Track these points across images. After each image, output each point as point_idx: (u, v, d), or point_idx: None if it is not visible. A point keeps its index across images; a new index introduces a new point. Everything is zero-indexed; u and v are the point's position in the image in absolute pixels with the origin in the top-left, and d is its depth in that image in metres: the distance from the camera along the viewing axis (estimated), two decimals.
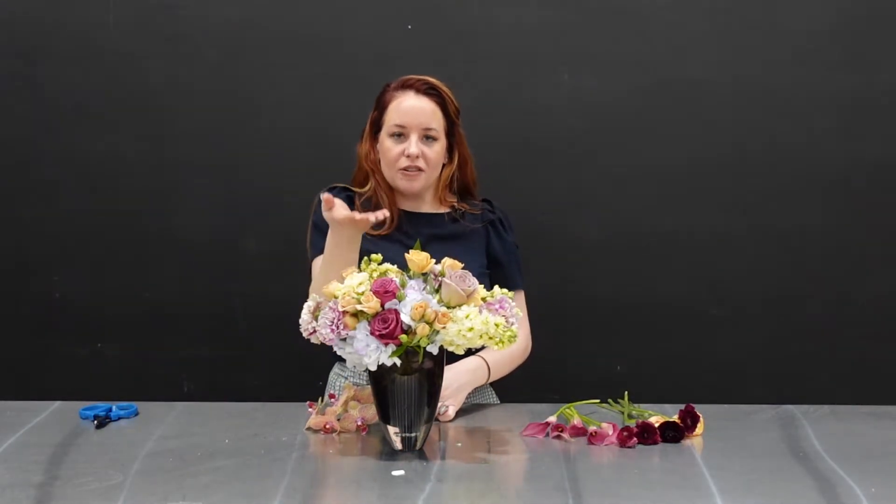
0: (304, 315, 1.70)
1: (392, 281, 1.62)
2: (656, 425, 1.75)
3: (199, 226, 2.70)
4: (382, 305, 1.60)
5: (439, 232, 2.12)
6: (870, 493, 1.51)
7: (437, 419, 1.85)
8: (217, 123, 2.68)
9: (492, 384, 2.18)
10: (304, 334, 1.70)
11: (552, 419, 1.82)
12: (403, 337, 1.59)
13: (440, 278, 1.67)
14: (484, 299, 1.67)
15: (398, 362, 1.61)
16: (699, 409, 1.81)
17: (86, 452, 1.71)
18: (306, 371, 2.38)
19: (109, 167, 2.68)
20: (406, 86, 2.09)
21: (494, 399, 2.21)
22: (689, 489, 1.53)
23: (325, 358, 2.07)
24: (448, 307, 1.63)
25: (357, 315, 1.61)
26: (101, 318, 2.72)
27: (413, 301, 1.60)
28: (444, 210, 2.17)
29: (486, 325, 1.60)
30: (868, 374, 2.72)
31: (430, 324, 1.60)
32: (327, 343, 1.65)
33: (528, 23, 2.65)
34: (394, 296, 1.61)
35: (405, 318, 1.59)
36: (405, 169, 2.07)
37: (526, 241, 2.28)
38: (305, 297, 1.73)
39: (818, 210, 2.69)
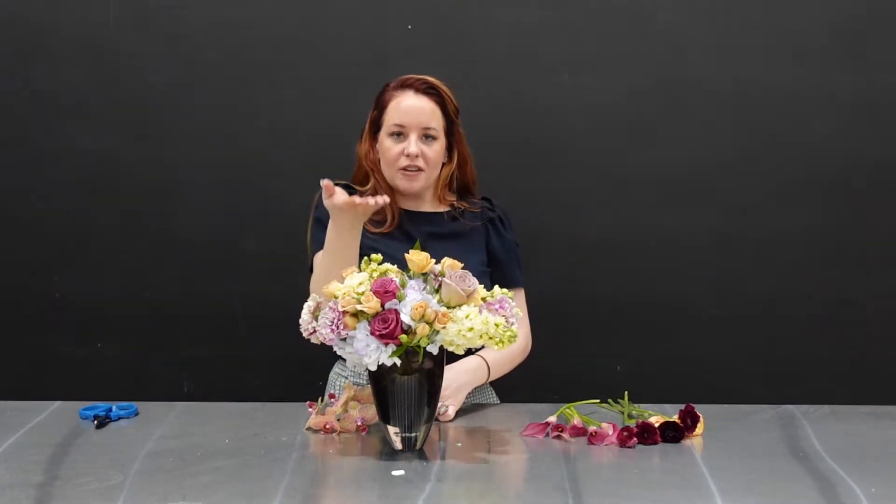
0: (304, 315, 1.70)
1: (392, 281, 1.62)
2: (656, 425, 1.75)
3: (199, 226, 2.70)
4: (382, 305, 1.60)
5: (439, 231, 2.12)
6: (870, 493, 1.51)
7: (437, 419, 1.85)
8: (217, 123, 2.68)
9: (492, 384, 2.18)
10: (304, 334, 1.70)
11: (552, 419, 1.82)
12: (403, 337, 1.59)
13: (440, 278, 1.67)
14: (484, 299, 1.67)
15: (398, 362, 1.61)
16: (699, 409, 1.81)
17: (86, 452, 1.71)
18: (306, 371, 2.38)
19: (109, 167, 2.68)
20: (405, 85, 2.09)
21: (494, 399, 2.21)
22: (689, 489, 1.53)
23: (325, 358, 2.07)
24: (448, 307, 1.63)
25: (357, 315, 1.61)
26: (101, 318, 2.72)
27: (413, 301, 1.60)
28: (443, 209, 2.17)
29: (486, 325, 1.60)
30: (868, 374, 2.72)
31: (430, 324, 1.60)
32: (327, 343, 1.65)
33: (528, 23, 2.65)
34: (394, 296, 1.61)
35: (405, 318, 1.59)
36: (405, 168, 2.07)
37: (526, 241, 2.28)
38: (305, 297, 1.73)
39: (818, 210, 2.69)
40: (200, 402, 2.11)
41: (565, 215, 2.69)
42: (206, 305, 2.72)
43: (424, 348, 1.61)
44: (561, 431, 1.78)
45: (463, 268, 1.68)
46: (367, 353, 1.60)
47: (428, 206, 2.16)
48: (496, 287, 1.71)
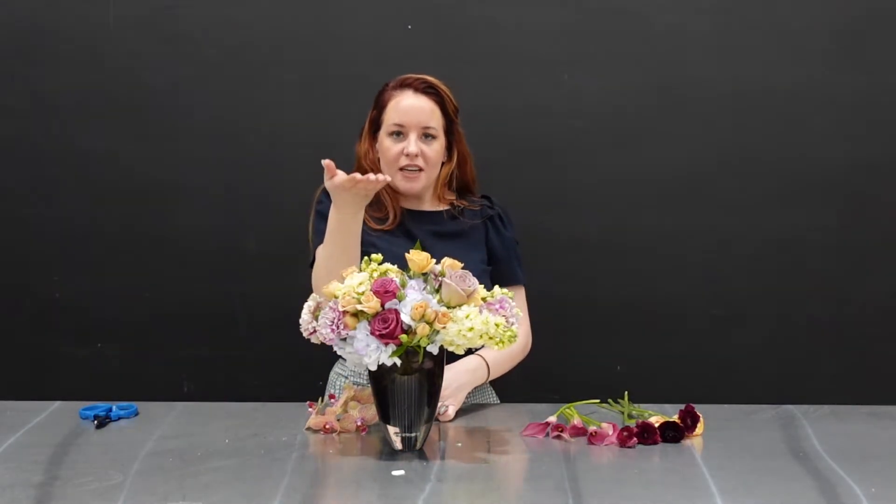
0: (304, 315, 1.70)
1: (392, 281, 1.62)
2: (656, 425, 1.75)
3: (199, 226, 2.70)
4: (382, 305, 1.60)
5: (440, 230, 2.12)
6: (870, 493, 1.51)
7: (437, 419, 1.85)
8: (217, 123, 2.68)
9: (492, 384, 2.18)
10: (304, 334, 1.70)
11: (552, 419, 1.82)
12: (403, 337, 1.59)
13: (440, 278, 1.67)
14: (484, 299, 1.67)
15: (398, 362, 1.61)
16: (699, 409, 1.81)
17: (86, 452, 1.71)
18: (306, 371, 2.38)
19: (109, 167, 2.68)
20: (405, 85, 2.09)
21: (494, 399, 2.21)
22: (689, 489, 1.53)
23: (326, 358, 2.08)
24: (448, 307, 1.63)
25: (357, 315, 1.61)
26: (101, 318, 2.72)
27: (413, 301, 1.60)
28: (443, 208, 2.17)
29: (486, 325, 1.60)
30: (868, 374, 2.72)
31: (430, 324, 1.60)
32: (327, 343, 1.65)
33: (528, 23, 2.65)
34: (394, 296, 1.61)
35: (405, 318, 1.59)
36: (405, 168, 2.07)
37: (526, 240, 2.28)
38: (305, 297, 1.73)
39: (818, 210, 2.69)
40: (200, 402, 2.11)
41: (565, 215, 2.69)
42: (206, 305, 2.72)
43: (424, 348, 1.61)
44: (561, 431, 1.78)
45: (463, 267, 1.68)
46: (367, 353, 1.60)
47: (428, 205, 2.16)
48: (496, 287, 1.71)
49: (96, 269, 2.71)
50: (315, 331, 1.67)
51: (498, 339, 1.62)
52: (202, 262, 2.71)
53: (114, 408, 1.92)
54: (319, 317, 1.65)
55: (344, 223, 1.85)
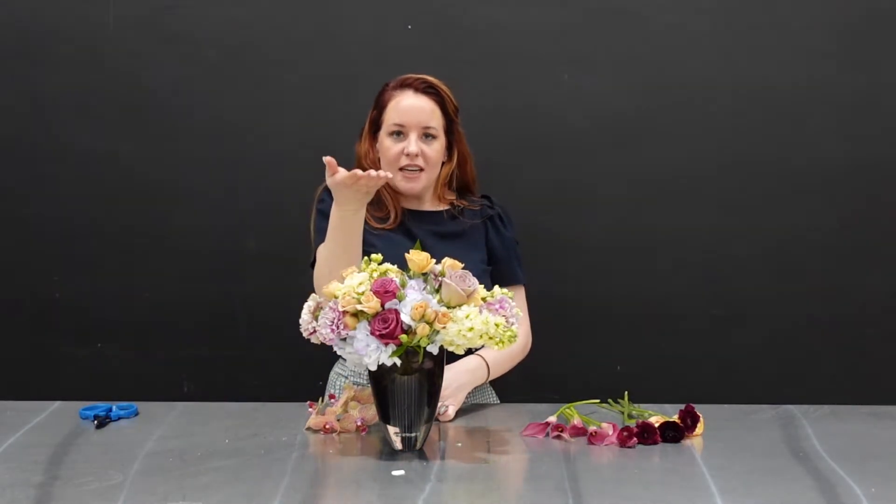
0: (304, 315, 1.70)
1: (392, 281, 1.62)
2: (656, 425, 1.75)
3: (200, 226, 2.70)
4: (382, 305, 1.60)
5: (440, 230, 2.12)
6: (870, 493, 1.51)
7: (437, 419, 1.85)
8: (217, 123, 2.68)
9: (492, 384, 2.18)
10: (304, 334, 1.70)
11: (552, 419, 1.82)
12: (403, 337, 1.59)
13: (440, 278, 1.67)
14: (484, 299, 1.67)
15: (398, 362, 1.61)
16: (699, 409, 1.81)
17: (86, 452, 1.71)
18: (306, 371, 2.38)
19: (109, 167, 2.68)
20: (405, 85, 2.09)
21: (494, 399, 2.21)
22: (689, 489, 1.53)
23: (325, 358, 2.08)
24: (448, 307, 1.63)
25: (357, 315, 1.61)
26: (101, 318, 2.72)
27: (413, 301, 1.60)
28: (443, 208, 2.17)
29: (486, 325, 1.60)
30: (868, 374, 2.71)
31: (430, 324, 1.60)
32: (327, 343, 1.65)
33: (528, 23, 2.65)
34: (394, 296, 1.61)
35: (405, 318, 1.59)
36: (405, 168, 2.08)
37: (526, 240, 2.29)
38: (305, 297, 1.73)
39: (818, 210, 2.69)
40: (200, 402, 2.11)
41: (565, 215, 2.69)
42: (206, 305, 2.72)
43: (424, 348, 1.61)
44: (561, 431, 1.78)
45: (464, 267, 1.68)
46: (367, 353, 1.60)
47: (428, 205, 2.16)
48: (496, 287, 1.71)
49: (96, 269, 2.71)
50: (315, 331, 1.67)
51: (498, 339, 1.62)
52: (202, 262, 2.71)
53: (114, 408, 1.92)
54: (319, 317, 1.65)
55: (345, 220, 1.85)
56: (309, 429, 1.82)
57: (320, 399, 1.90)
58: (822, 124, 2.67)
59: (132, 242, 2.70)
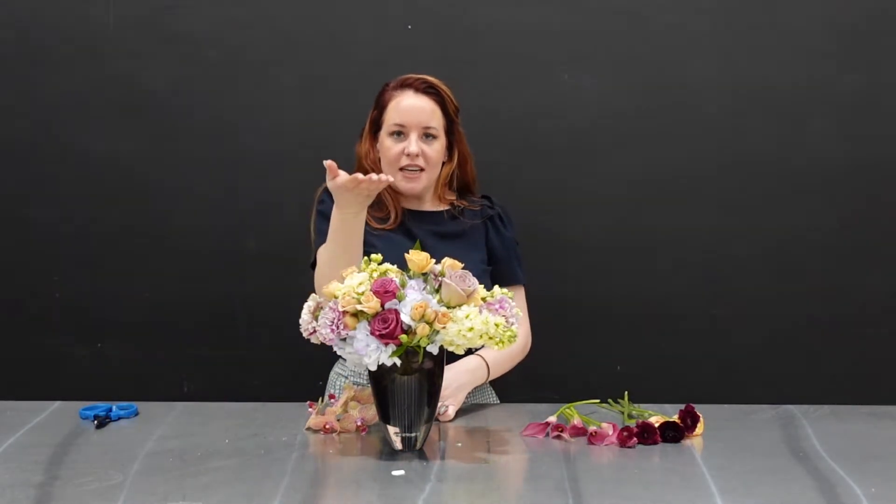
0: (304, 315, 1.70)
1: (392, 281, 1.62)
2: (656, 425, 1.75)
3: (199, 226, 2.70)
4: (382, 305, 1.60)
5: (440, 230, 2.13)
6: (870, 493, 1.51)
7: (437, 419, 1.85)
8: (217, 123, 2.68)
9: (492, 384, 2.18)
10: (304, 334, 1.70)
11: (552, 419, 1.82)
12: (403, 337, 1.59)
13: (440, 278, 1.67)
14: (484, 299, 1.67)
15: (398, 362, 1.61)
16: (699, 409, 1.81)
17: (86, 452, 1.71)
18: (306, 371, 2.38)
19: (109, 167, 2.68)
20: (405, 85, 2.10)
21: (494, 399, 2.21)
22: (689, 489, 1.53)
23: (326, 358, 2.07)
24: (448, 307, 1.63)
25: (357, 315, 1.61)
26: (101, 318, 2.72)
27: (413, 301, 1.60)
28: (443, 208, 2.17)
29: (486, 325, 1.60)
30: (868, 374, 2.71)
31: (430, 324, 1.60)
32: (327, 343, 1.65)
33: (528, 23, 2.65)
34: (394, 296, 1.61)
35: (405, 318, 1.59)
36: (406, 168, 2.08)
37: (526, 240, 2.29)
38: (305, 297, 1.73)
39: (818, 210, 2.69)
40: (200, 402, 2.11)
41: (565, 215, 2.69)
42: (206, 305, 2.72)
43: (424, 348, 1.61)
44: (561, 431, 1.78)
45: (463, 267, 1.68)
46: (367, 353, 1.60)
47: (428, 205, 2.16)
48: (496, 287, 1.71)
49: (96, 269, 2.71)
50: (315, 331, 1.67)
51: (498, 339, 1.62)
52: (202, 262, 2.70)
53: (114, 408, 1.92)
54: (319, 317, 1.65)
55: (346, 223, 1.85)
56: (309, 429, 1.82)
57: (320, 399, 1.90)
58: (822, 124, 2.67)
59: (132, 242, 2.70)
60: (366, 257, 1.69)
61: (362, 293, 1.60)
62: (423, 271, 1.67)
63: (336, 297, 1.63)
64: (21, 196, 2.70)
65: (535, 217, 2.61)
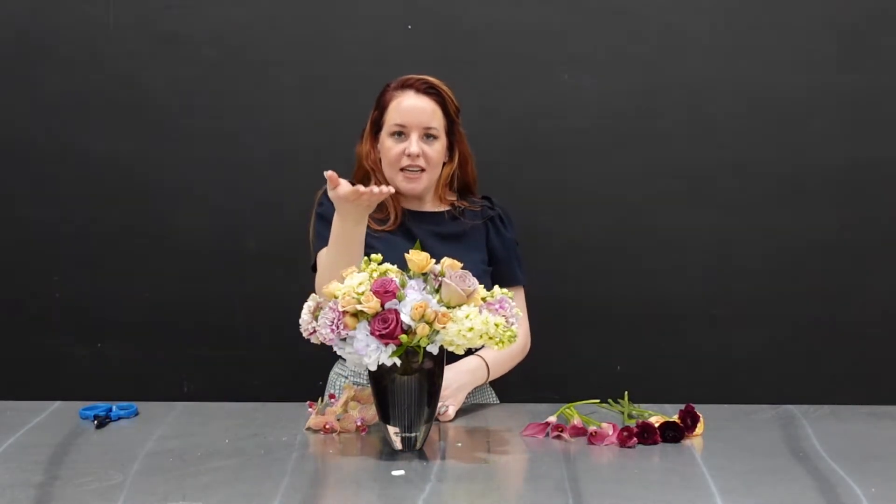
0: (304, 315, 1.70)
1: (392, 281, 1.62)
2: (656, 425, 1.75)
3: (199, 226, 2.70)
4: (382, 305, 1.60)
5: (440, 230, 2.12)
6: (870, 493, 1.51)
7: (437, 419, 1.85)
8: (217, 123, 2.68)
9: (492, 384, 2.18)
10: (304, 334, 1.70)
11: (552, 419, 1.82)
12: (403, 337, 1.59)
13: (440, 278, 1.67)
14: (484, 299, 1.67)
15: (398, 362, 1.61)
16: (699, 409, 1.81)
17: (86, 452, 1.71)
18: (306, 371, 2.38)
19: (109, 167, 2.68)
20: (406, 85, 2.09)
21: (494, 399, 2.21)
22: (689, 489, 1.53)
23: (326, 358, 2.07)
24: (448, 307, 1.63)
25: (357, 315, 1.61)
26: (101, 318, 2.72)
27: (413, 301, 1.60)
28: (444, 208, 2.17)
29: (486, 325, 1.60)
30: (868, 374, 2.71)
31: (430, 324, 1.60)
32: (327, 343, 1.65)
33: (528, 23, 2.65)
34: (394, 296, 1.61)
35: (405, 318, 1.59)
36: (406, 168, 2.08)
37: (526, 240, 2.29)
38: (305, 297, 1.73)
39: (818, 210, 2.69)
40: (200, 402, 2.11)
41: (565, 215, 2.69)
42: (206, 305, 2.72)
43: (424, 348, 1.61)
44: (561, 431, 1.78)
45: (463, 267, 1.68)
46: (367, 353, 1.60)
47: (429, 205, 2.16)
48: (496, 287, 1.71)
49: (96, 269, 2.71)
50: (315, 331, 1.67)
51: (498, 339, 1.62)
52: (202, 262, 2.70)
53: (114, 408, 1.92)
54: (319, 317, 1.65)
55: (347, 231, 1.85)
56: (309, 429, 1.82)
57: (320, 399, 1.90)
58: (822, 125, 2.67)
59: (132, 242, 2.70)
60: (366, 257, 1.69)
61: (362, 293, 1.60)
62: (423, 271, 1.67)
63: (336, 297, 1.63)
64: (21, 196, 2.70)
65: (535, 217, 2.61)
